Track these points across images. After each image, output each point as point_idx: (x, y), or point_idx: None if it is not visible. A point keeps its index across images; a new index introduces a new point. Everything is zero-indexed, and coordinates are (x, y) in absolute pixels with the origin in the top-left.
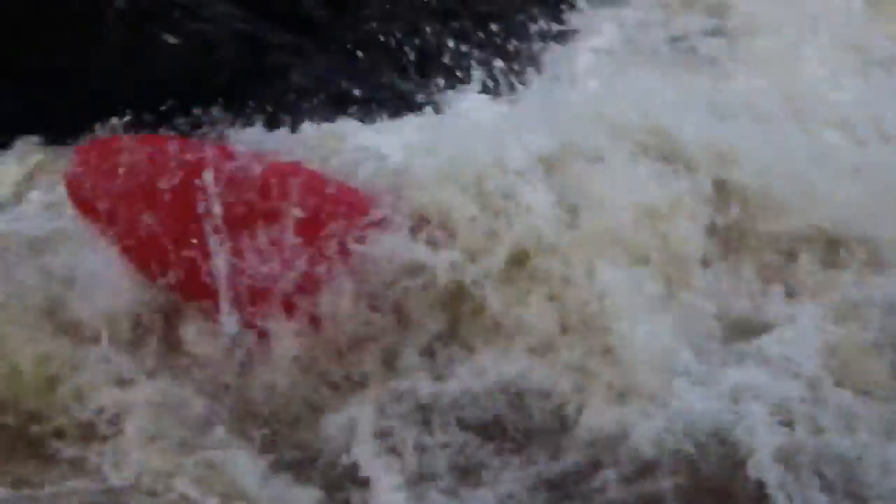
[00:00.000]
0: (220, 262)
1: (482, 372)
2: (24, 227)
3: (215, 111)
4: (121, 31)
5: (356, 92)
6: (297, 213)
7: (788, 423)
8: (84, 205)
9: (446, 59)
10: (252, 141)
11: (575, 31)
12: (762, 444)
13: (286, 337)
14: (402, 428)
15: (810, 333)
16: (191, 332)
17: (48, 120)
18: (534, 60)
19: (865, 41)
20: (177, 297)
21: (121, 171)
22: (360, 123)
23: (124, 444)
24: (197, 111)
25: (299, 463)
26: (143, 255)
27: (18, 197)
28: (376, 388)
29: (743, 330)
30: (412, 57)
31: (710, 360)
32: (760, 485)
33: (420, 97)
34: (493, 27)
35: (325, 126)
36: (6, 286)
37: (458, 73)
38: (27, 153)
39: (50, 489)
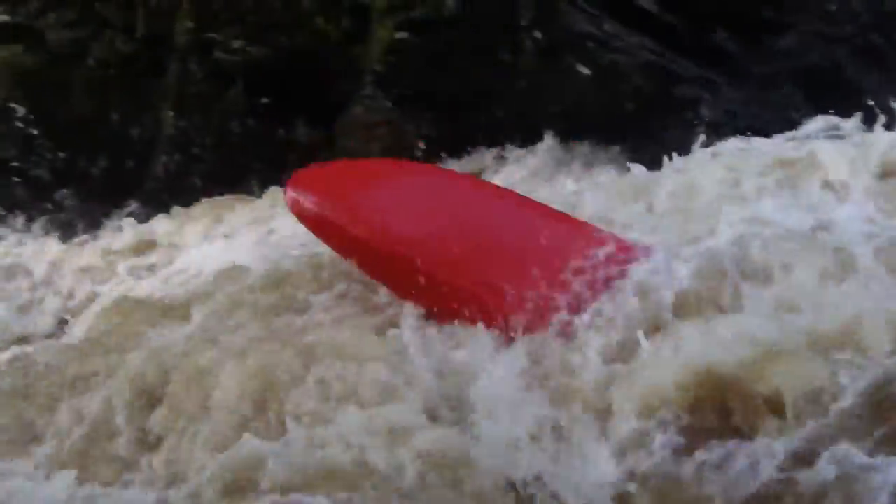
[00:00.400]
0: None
1: None
2: None
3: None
4: (535, 60)
5: (767, 128)
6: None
7: None
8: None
9: (867, 96)
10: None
11: None
12: None
13: None
14: None
15: None
16: None
17: (459, 140)
18: None
19: None
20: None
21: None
22: None
23: None
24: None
25: None
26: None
27: None
28: None
29: None
30: (830, 93)
31: None
32: None
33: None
34: None
35: None
36: None
37: (881, 112)
38: None
39: None
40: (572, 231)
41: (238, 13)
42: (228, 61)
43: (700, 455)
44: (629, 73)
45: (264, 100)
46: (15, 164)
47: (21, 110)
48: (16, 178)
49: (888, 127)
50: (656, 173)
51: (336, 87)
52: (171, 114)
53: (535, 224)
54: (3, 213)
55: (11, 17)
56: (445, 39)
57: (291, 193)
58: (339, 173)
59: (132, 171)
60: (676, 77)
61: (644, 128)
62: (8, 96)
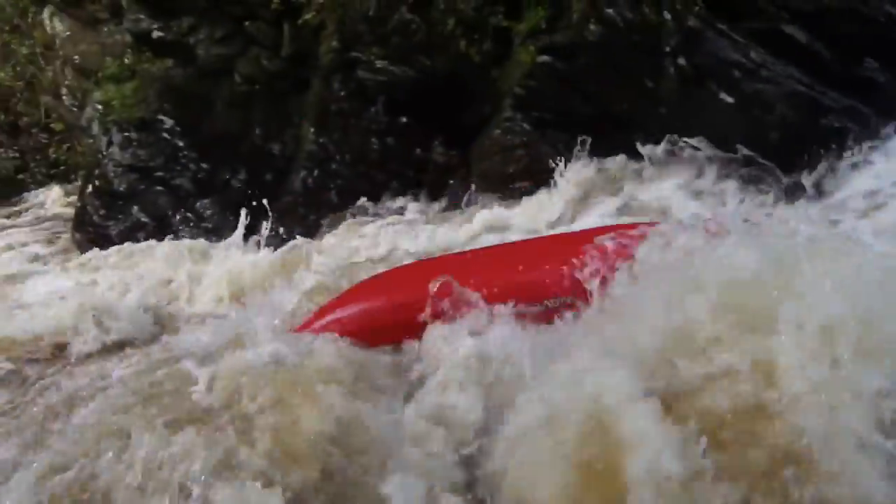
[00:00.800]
0: None
1: None
2: None
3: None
4: (678, 87)
5: None
6: None
7: None
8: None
9: None
10: None
11: None
12: None
13: None
14: None
15: None
16: None
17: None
18: None
19: None
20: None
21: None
22: None
23: None
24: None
25: None
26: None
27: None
28: None
29: None
30: None
31: None
32: None
33: None
34: None
35: None
36: None
37: None
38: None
39: None
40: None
41: (382, 34)
42: (370, 80)
43: None
44: (774, 102)
45: (403, 119)
46: (160, 173)
47: (168, 122)
48: (159, 187)
49: None
50: None
51: (474, 108)
52: (312, 130)
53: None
54: (147, 220)
55: (165, 33)
56: (587, 64)
57: None
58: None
59: (271, 185)
60: (823, 107)
61: (787, 157)
62: (157, 108)
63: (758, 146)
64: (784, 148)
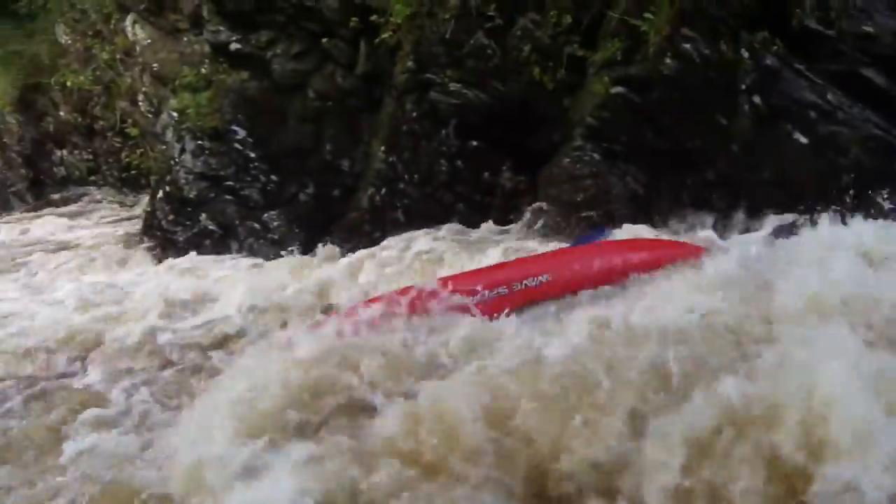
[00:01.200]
0: None
1: None
2: None
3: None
4: (751, 125)
5: None
6: None
7: None
8: None
9: None
10: None
11: None
12: None
13: None
14: None
15: None
16: None
17: (664, 198)
18: None
19: None
20: None
21: None
22: None
23: None
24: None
25: None
26: None
27: None
28: None
29: None
30: None
31: None
32: None
33: None
34: None
35: None
36: None
37: None
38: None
39: None
40: None
41: (457, 57)
42: (443, 103)
43: None
44: (849, 145)
45: (474, 143)
46: (229, 182)
47: (241, 133)
48: (228, 196)
49: None
50: None
51: (544, 135)
52: (382, 149)
53: None
54: (214, 227)
55: (243, 46)
56: (661, 97)
57: None
58: None
59: (338, 201)
60: None
61: (859, 201)
62: (231, 119)
63: (829, 188)
64: (856, 191)
